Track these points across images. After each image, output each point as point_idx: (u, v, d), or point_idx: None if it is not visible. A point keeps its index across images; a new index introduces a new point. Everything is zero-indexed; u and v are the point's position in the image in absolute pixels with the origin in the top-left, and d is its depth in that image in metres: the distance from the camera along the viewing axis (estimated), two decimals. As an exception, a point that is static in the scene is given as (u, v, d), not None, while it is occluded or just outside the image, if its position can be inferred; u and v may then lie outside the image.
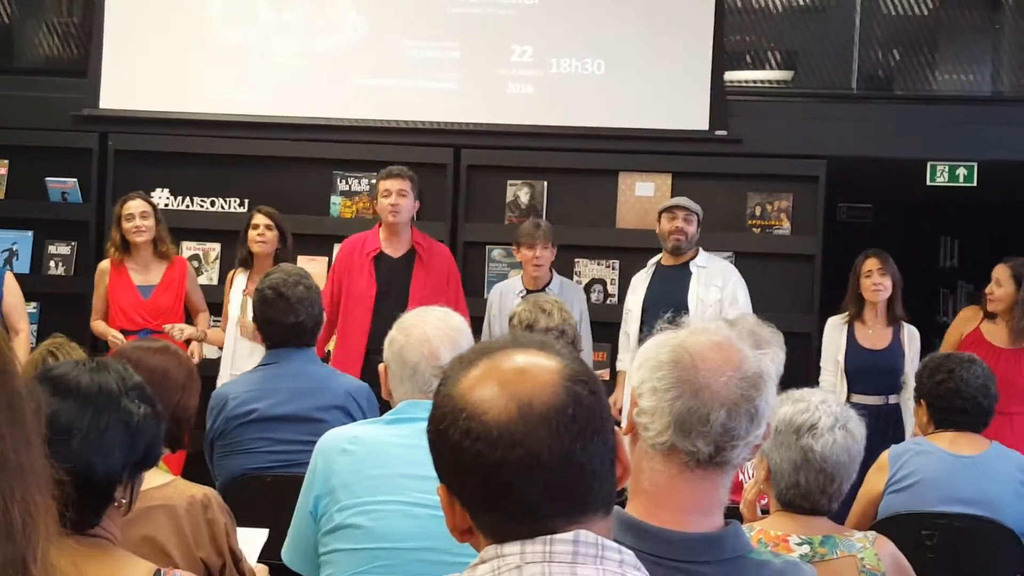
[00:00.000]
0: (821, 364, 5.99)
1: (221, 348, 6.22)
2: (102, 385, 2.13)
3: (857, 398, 5.57)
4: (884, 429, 5.44)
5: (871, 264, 5.88)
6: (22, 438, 1.33)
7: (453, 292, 6.00)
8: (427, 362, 2.84)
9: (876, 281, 5.85)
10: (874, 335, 5.86)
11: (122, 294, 6.13)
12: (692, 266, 6.09)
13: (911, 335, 5.86)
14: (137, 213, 6.11)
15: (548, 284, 6.22)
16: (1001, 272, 5.74)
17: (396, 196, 5.96)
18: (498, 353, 1.41)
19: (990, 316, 5.78)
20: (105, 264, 6.25)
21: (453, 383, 1.40)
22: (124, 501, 2.13)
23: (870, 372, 5.78)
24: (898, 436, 5.44)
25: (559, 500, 1.33)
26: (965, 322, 5.87)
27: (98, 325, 6.14)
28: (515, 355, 1.40)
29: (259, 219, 6.08)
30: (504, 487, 1.32)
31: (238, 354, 5.88)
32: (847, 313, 5.95)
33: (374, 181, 7.03)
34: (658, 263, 6.20)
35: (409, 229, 6.12)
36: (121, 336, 5.94)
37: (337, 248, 7.02)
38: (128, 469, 2.14)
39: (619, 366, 6.32)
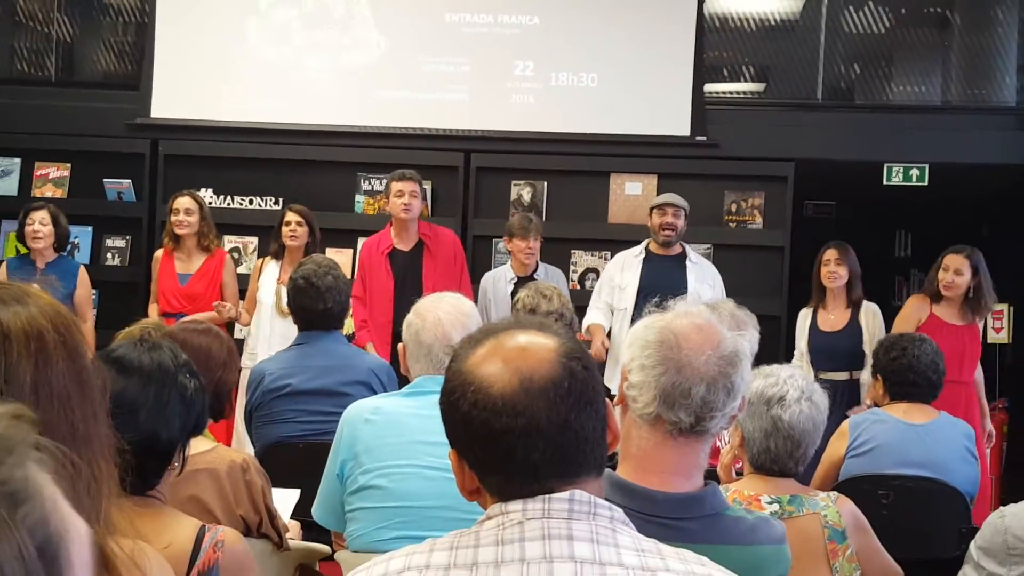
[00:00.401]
0: (794, 352, 5.94)
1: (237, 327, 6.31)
2: (161, 363, 2.13)
3: (824, 375, 5.53)
4: (843, 402, 5.41)
5: (829, 255, 5.84)
6: (90, 411, 1.33)
7: (459, 270, 6.09)
8: (440, 343, 2.84)
9: (832, 270, 5.80)
10: (834, 319, 5.82)
11: (165, 280, 6.17)
12: (688, 262, 6.04)
13: (870, 311, 5.79)
14: (182, 209, 6.14)
15: (535, 271, 6.19)
16: (958, 262, 5.56)
17: (408, 197, 5.97)
18: (502, 333, 1.41)
19: (935, 300, 5.68)
20: (158, 253, 6.30)
21: (462, 359, 1.39)
22: (177, 464, 2.13)
23: (828, 352, 5.73)
24: (852, 406, 5.41)
25: (557, 463, 1.32)
26: (917, 310, 5.73)
27: (151, 309, 6.17)
28: (517, 335, 1.40)
29: (291, 216, 6.06)
30: (508, 451, 1.32)
31: (274, 334, 5.86)
32: (812, 302, 5.92)
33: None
34: (647, 250, 6.13)
35: (417, 224, 6.12)
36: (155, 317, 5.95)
37: (361, 241, 7.05)
38: (183, 436, 2.15)
39: (587, 322, 5.99)
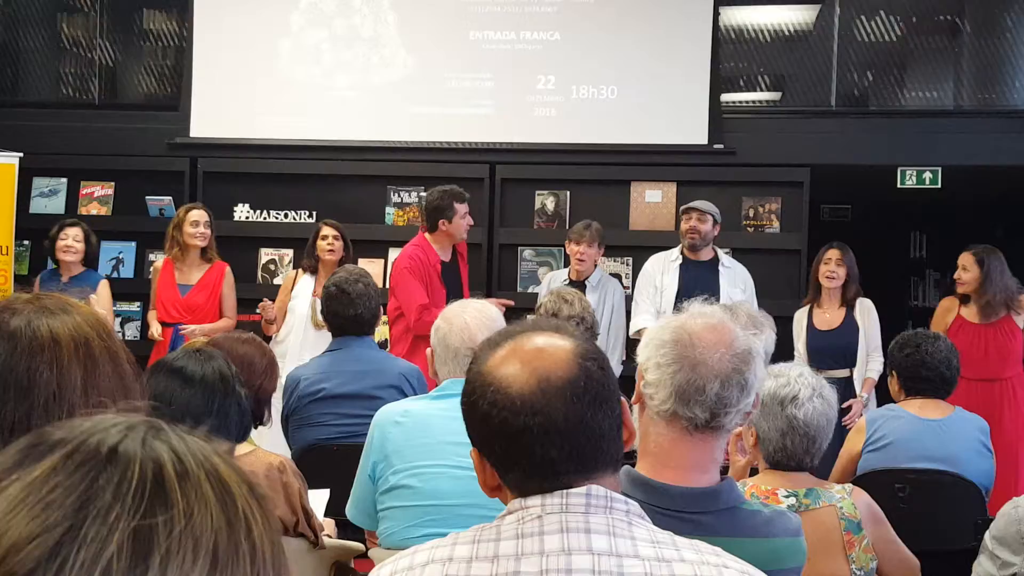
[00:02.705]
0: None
1: None
2: (221, 373, 2.15)
3: (825, 373, 5.45)
4: (846, 399, 5.38)
5: (831, 255, 5.77)
6: (131, 411, 1.35)
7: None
8: (466, 346, 2.85)
9: (832, 269, 5.73)
10: (829, 317, 5.74)
11: (165, 290, 6.09)
12: (720, 266, 5.98)
13: (864, 308, 5.71)
14: (202, 221, 6.11)
15: (588, 277, 6.11)
16: (966, 259, 5.64)
17: (470, 220, 5.82)
18: (520, 335, 1.41)
19: (964, 301, 5.69)
20: (159, 263, 6.22)
21: (482, 361, 1.40)
22: None
23: (825, 350, 5.64)
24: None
25: (574, 459, 1.33)
26: (946, 312, 5.75)
27: (150, 316, 6.14)
28: (535, 337, 1.40)
29: (327, 231, 6.01)
30: (527, 449, 1.32)
31: (306, 345, 5.81)
32: (807, 300, 5.86)
33: (423, 193, 7.05)
34: (683, 256, 6.04)
35: None
36: (157, 327, 5.96)
37: (392, 252, 7.06)
38: (236, 442, 2.17)
39: (636, 326, 5.97)
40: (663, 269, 6.05)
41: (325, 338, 4.23)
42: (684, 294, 5.78)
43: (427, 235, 5.78)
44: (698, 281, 5.85)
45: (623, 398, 1.45)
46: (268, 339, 6.19)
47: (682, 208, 6.12)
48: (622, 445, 1.40)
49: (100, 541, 0.63)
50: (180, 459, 0.69)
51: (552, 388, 1.33)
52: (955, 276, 5.73)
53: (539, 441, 1.32)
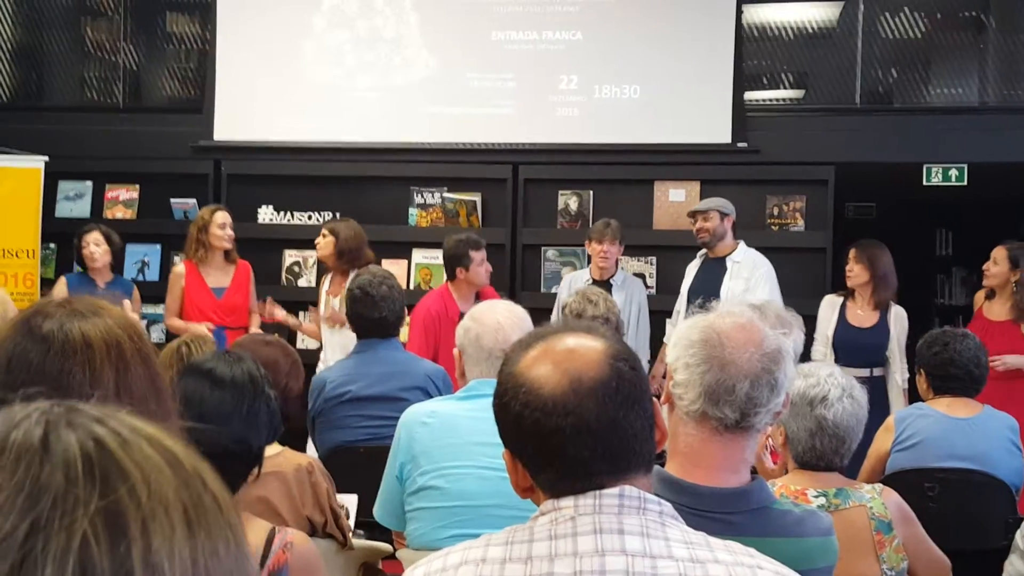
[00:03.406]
0: (814, 336, 5.73)
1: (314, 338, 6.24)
2: (251, 374, 2.16)
3: (845, 370, 5.42)
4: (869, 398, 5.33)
5: (850, 255, 5.75)
6: (165, 412, 1.36)
7: None
8: (500, 346, 2.83)
9: (849, 267, 5.71)
10: (863, 315, 5.69)
11: (198, 295, 6.00)
12: (728, 260, 5.96)
13: (897, 315, 5.66)
14: (228, 223, 6.09)
15: (613, 276, 6.12)
16: (999, 252, 5.66)
17: (486, 263, 5.74)
18: (552, 336, 1.42)
19: (989, 296, 5.70)
20: (180, 268, 6.11)
21: (514, 363, 1.40)
22: (255, 471, 2.16)
23: (855, 347, 5.59)
24: (882, 404, 5.30)
25: (606, 460, 1.33)
26: (977, 304, 5.84)
27: (176, 322, 5.98)
28: (566, 338, 1.40)
29: (323, 230, 5.94)
30: (559, 449, 1.32)
31: (332, 343, 5.82)
32: (842, 292, 5.83)
33: (447, 194, 7.07)
34: (705, 255, 6.08)
35: None
36: (204, 328, 5.78)
37: (416, 252, 7.08)
38: (266, 443, 2.18)
39: (665, 339, 6.03)
40: (687, 272, 6.11)
41: (347, 337, 4.23)
42: (694, 293, 5.82)
43: (449, 283, 5.74)
44: (706, 280, 5.88)
45: (655, 398, 1.45)
46: (293, 340, 6.21)
47: (689, 211, 6.15)
48: (654, 445, 1.40)
49: (67, 530, 0.60)
50: (114, 431, 0.67)
51: (584, 389, 1.33)
52: (984, 267, 5.71)
53: (571, 442, 1.32)
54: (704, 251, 6.06)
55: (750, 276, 5.88)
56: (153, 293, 7.17)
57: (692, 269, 6.12)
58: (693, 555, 1.27)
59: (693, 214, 6.05)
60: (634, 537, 1.27)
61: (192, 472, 0.68)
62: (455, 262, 5.68)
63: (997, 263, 5.61)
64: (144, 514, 0.63)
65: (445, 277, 5.82)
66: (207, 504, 0.67)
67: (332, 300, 5.84)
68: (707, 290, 5.69)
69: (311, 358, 5.95)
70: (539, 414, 1.33)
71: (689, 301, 5.85)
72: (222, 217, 6.08)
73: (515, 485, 1.40)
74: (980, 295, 5.82)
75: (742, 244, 6.04)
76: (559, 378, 1.34)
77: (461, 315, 5.60)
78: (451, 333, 5.57)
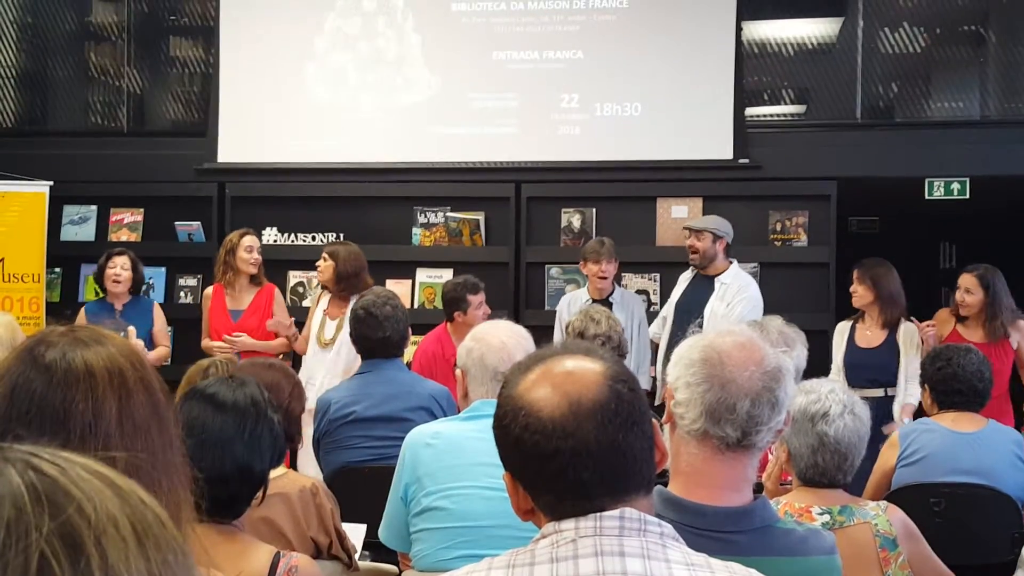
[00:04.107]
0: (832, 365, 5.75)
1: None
2: (253, 398, 2.16)
3: (858, 392, 5.38)
4: (877, 419, 5.27)
5: (854, 276, 5.72)
6: (168, 440, 1.37)
7: None
8: (505, 366, 2.83)
9: (854, 289, 5.68)
10: (871, 335, 5.66)
11: (217, 317, 6.14)
12: (717, 281, 5.98)
13: (908, 332, 5.60)
14: (255, 247, 6.16)
15: (611, 294, 6.12)
16: (969, 281, 5.51)
17: (484, 305, 5.74)
18: (550, 359, 1.42)
19: (961, 320, 5.61)
20: (209, 290, 6.27)
21: (513, 385, 1.40)
22: (261, 494, 2.16)
23: (862, 368, 5.55)
24: (885, 423, 5.26)
25: (606, 482, 1.33)
26: (942, 324, 5.67)
27: (205, 342, 6.13)
28: (565, 360, 1.41)
29: (323, 254, 5.95)
30: (559, 472, 1.33)
31: (323, 365, 5.81)
32: (854, 316, 5.82)
33: (450, 213, 7.08)
34: (696, 273, 6.13)
35: None
36: (224, 344, 5.94)
37: (420, 272, 7.09)
38: (271, 467, 2.18)
39: (653, 336, 6.16)
40: (675, 290, 6.14)
41: (333, 358, 4.23)
42: (679, 311, 5.85)
43: (448, 324, 5.76)
44: (693, 298, 5.90)
45: (655, 419, 1.45)
46: (296, 365, 6.22)
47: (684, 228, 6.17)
48: (654, 466, 1.40)
49: (24, 553, 0.62)
50: (49, 461, 0.69)
51: (583, 411, 1.34)
52: (957, 299, 5.56)
53: (571, 464, 1.32)
54: (694, 269, 6.11)
55: (733, 300, 5.86)
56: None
57: (683, 282, 6.16)
58: None
59: (689, 229, 6.10)
60: (635, 559, 1.27)
61: (129, 491, 0.71)
62: (453, 306, 5.71)
63: (972, 292, 5.49)
64: (96, 530, 0.65)
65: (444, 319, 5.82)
66: (150, 519, 0.69)
67: (329, 322, 5.86)
68: (692, 306, 5.76)
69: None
70: (539, 436, 1.33)
71: (675, 313, 5.91)
72: (249, 241, 6.16)
73: (516, 508, 1.41)
74: (948, 317, 5.66)
75: (735, 265, 6.06)
76: (558, 401, 1.34)
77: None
78: (447, 373, 5.64)
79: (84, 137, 7.70)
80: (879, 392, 5.49)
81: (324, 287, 6.03)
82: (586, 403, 1.34)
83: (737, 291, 5.91)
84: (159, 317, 6.32)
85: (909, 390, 5.53)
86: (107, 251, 6.34)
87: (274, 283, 6.73)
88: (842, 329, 5.80)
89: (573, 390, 1.35)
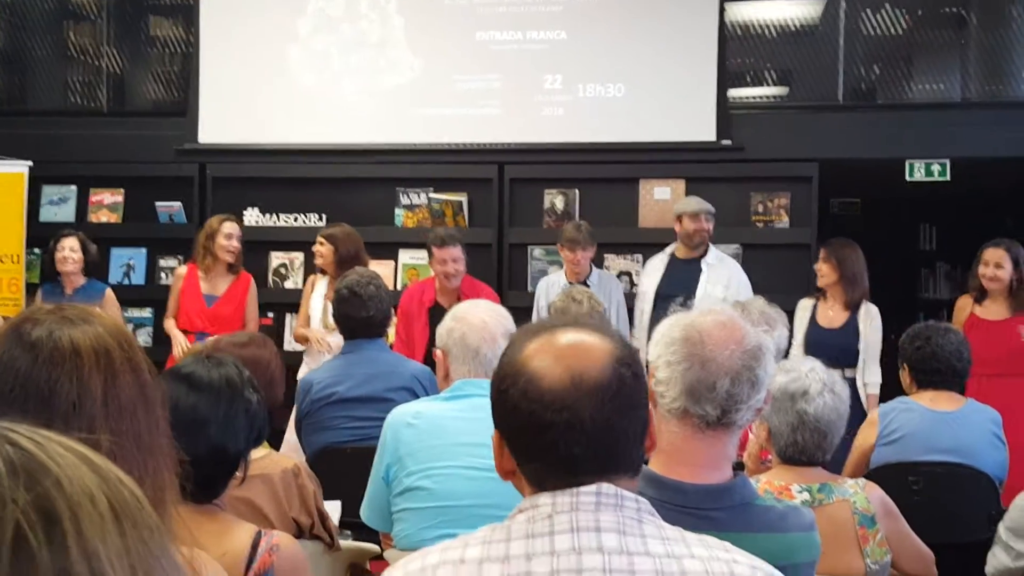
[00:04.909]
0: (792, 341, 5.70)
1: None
2: (228, 379, 2.15)
3: None
4: None
5: (820, 255, 5.73)
6: (153, 422, 1.36)
7: None
8: (487, 345, 2.84)
9: (818, 267, 5.70)
10: (833, 315, 5.68)
11: (190, 299, 6.06)
12: (703, 263, 6.01)
13: (869, 313, 5.62)
14: (235, 235, 6.11)
15: (588, 277, 6.13)
16: (998, 255, 5.46)
17: (451, 264, 5.75)
18: (559, 329, 1.40)
19: (979, 298, 5.60)
20: (182, 270, 6.19)
21: (517, 350, 1.38)
22: (240, 474, 2.16)
23: (823, 347, 5.41)
24: (854, 407, 5.25)
25: (595, 459, 1.33)
26: (961, 312, 5.66)
27: (168, 323, 6.09)
28: (573, 333, 1.39)
29: (319, 239, 5.97)
30: (551, 444, 1.32)
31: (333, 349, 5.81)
32: (816, 295, 5.81)
33: (432, 194, 7.07)
34: (672, 254, 6.14)
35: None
36: (184, 340, 5.89)
37: (403, 253, 7.09)
38: (248, 448, 2.17)
39: (633, 343, 6.18)
40: (648, 271, 6.15)
41: (338, 339, 4.24)
42: (663, 294, 5.83)
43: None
44: (680, 280, 5.89)
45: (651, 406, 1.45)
46: (280, 343, 6.19)
47: (684, 210, 6.14)
48: (643, 451, 1.40)
49: (1, 524, 0.62)
50: (27, 436, 0.69)
51: (584, 387, 1.33)
52: (988, 275, 5.47)
53: (563, 438, 1.31)
54: (672, 249, 6.11)
55: (728, 283, 5.89)
56: (139, 297, 7.18)
57: (658, 267, 6.11)
58: (669, 551, 1.28)
59: (699, 214, 6.05)
60: (611, 534, 1.27)
61: (107, 469, 0.71)
62: (429, 255, 5.89)
63: (1002, 266, 5.45)
64: (72, 504, 0.65)
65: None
66: (127, 497, 0.70)
67: (331, 305, 5.83)
68: (681, 290, 5.72)
69: (295, 360, 5.95)
70: (536, 406, 1.32)
71: (658, 301, 5.86)
72: (229, 228, 6.10)
73: (498, 466, 1.40)
74: (966, 300, 5.64)
75: (712, 246, 6.12)
76: (560, 373, 1.33)
77: (434, 305, 5.78)
78: (418, 318, 5.73)
79: (64, 117, 7.64)
80: (836, 373, 5.47)
81: (322, 271, 6.02)
82: (588, 380, 1.33)
83: (729, 277, 5.99)
84: (110, 303, 6.19)
85: (869, 378, 5.56)
86: (56, 234, 6.26)
87: (256, 265, 6.72)
88: (805, 306, 5.80)
89: (577, 365, 1.34)
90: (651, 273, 6.16)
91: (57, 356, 1.32)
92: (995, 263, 5.47)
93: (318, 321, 5.97)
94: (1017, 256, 5.47)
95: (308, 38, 7.28)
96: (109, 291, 6.33)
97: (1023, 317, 5.46)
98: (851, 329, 5.61)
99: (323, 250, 5.91)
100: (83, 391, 1.30)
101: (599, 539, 1.27)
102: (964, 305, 5.65)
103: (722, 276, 5.98)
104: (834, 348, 5.48)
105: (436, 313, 5.73)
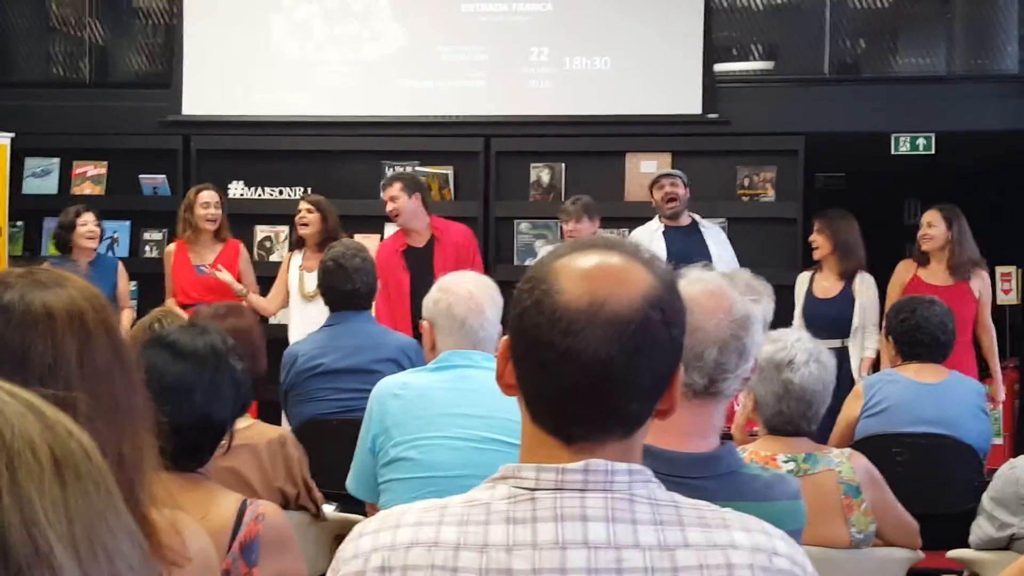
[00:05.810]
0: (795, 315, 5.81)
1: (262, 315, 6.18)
2: (213, 346, 2.13)
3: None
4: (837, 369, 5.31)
5: (814, 227, 5.78)
6: (129, 383, 1.35)
7: (470, 261, 5.74)
8: (474, 316, 2.82)
9: (813, 239, 5.76)
10: (828, 286, 5.73)
11: (182, 273, 6.10)
12: (701, 227, 6.04)
13: (864, 282, 5.68)
14: (212, 202, 6.11)
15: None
16: (933, 216, 5.62)
17: (391, 203, 5.80)
18: (604, 249, 1.26)
19: (921, 264, 5.67)
20: (171, 247, 6.23)
21: (556, 255, 1.27)
22: (226, 443, 2.14)
23: (820, 318, 5.57)
24: (844, 375, 5.27)
25: (583, 401, 1.21)
26: (902, 274, 5.72)
27: (168, 303, 6.01)
28: (617, 256, 1.25)
29: (302, 205, 5.99)
30: (546, 366, 1.21)
31: (307, 320, 5.79)
32: (813, 267, 5.87)
33: (418, 167, 7.03)
34: (665, 227, 6.09)
35: (426, 221, 5.91)
36: (184, 316, 5.89)
37: (388, 227, 7.05)
38: (233, 416, 2.16)
39: None
40: (648, 240, 6.05)
41: (324, 311, 4.21)
42: (676, 261, 5.78)
43: None
44: (686, 246, 5.86)
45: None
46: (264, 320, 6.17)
47: (652, 180, 6.14)
48: (647, 411, 1.27)
49: None
50: None
51: (599, 316, 1.19)
52: (920, 234, 5.65)
53: (560, 363, 1.20)
54: (658, 221, 6.09)
55: (724, 243, 5.96)
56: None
57: (656, 238, 5.99)
58: (662, 539, 1.19)
59: (661, 178, 6.06)
60: (597, 524, 1.18)
61: (55, 419, 0.70)
62: None
63: (934, 225, 5.58)
64: (10, 452, 0.65)
65: None
66: (74, 448, 0.69)
67: (307, 275, 5.82)
68: (695, 256, 5.64)
69: (282, 332, 5.93)
70: (543, 319, 1.21)
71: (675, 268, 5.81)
72: (206, 196, 6.11)
73: (499, 375, 1.29)
74: (908, 265, 5.72)
75: (693, 214, 6.15)
76: (580, 294, 1.20)
77: (407, 247, 5.83)
78: (396, 266, 5.75)
79: (46, 88, 7.57)
80: (836, 343, 5.53)
81: (301, 240, 5.99)
82: (607, 310, 1.20)
83: (723, 236, 6.08)
84: (123, 276, 6.28)
85: (866, 342, 5.60)
86: (71, 208, 6.23)
87: (241, 238, 6.68)
88: (802, 279, 5.87)
89: (601, 291, 1.20)
90: (654, 242, 6.04)
91: (30, 319, 1.30)
92: (927, 222, 5.60)
93: (296, 290, 5.94)
94: (951, 219, 5.54)
95: (291, 8, 7.23)
96: (121, 265, 6.38)
97: (965, 283, 5.51)
98: (845, 298, 5.66)
99: (311, 218, 5.90)
100: (58, 353, 1.29)
101: (585, 531, 1.18)
102: (906, 267, 5.72)
103: (720, 238, 6.04)
104: (828, 318, 5.54)
105: (409, 254, 5.75)
